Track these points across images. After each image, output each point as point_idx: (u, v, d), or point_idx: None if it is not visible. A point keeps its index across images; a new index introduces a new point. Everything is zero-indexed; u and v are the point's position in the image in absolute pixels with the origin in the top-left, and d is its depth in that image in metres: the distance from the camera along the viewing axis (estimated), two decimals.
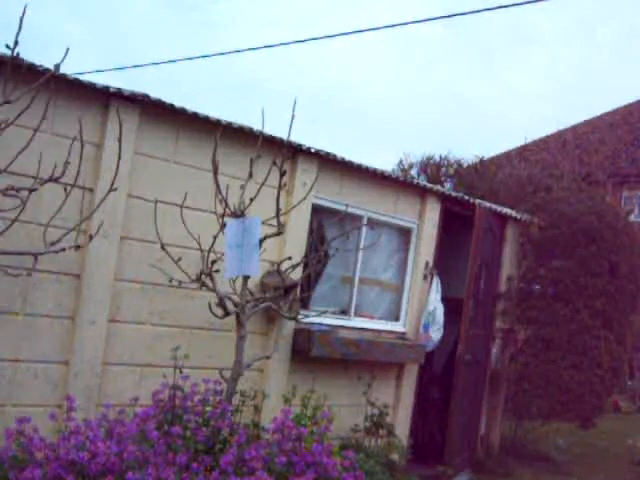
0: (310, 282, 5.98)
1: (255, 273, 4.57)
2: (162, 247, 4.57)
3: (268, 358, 5.24)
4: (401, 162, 16.31)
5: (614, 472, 8.18)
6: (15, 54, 3.44)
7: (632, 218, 11.89)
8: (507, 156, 18.97)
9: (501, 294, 7.76)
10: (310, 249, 5.79)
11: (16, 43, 3.39)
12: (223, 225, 4.51)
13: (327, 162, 5.86)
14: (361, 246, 6.25)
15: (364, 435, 6.09)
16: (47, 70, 3.88)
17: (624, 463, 8.67)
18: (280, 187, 4.54)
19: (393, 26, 8.10)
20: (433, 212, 6.86)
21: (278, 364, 5.60)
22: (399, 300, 6.79)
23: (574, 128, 22.23)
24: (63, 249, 4.04)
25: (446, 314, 6.86)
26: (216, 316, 4.60)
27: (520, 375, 7.68)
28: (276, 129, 5.05)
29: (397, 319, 6.78)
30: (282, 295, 5.08)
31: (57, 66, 3.61)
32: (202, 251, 4.54)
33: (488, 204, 7.46)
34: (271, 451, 3.94)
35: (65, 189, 3.98)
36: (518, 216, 7.86)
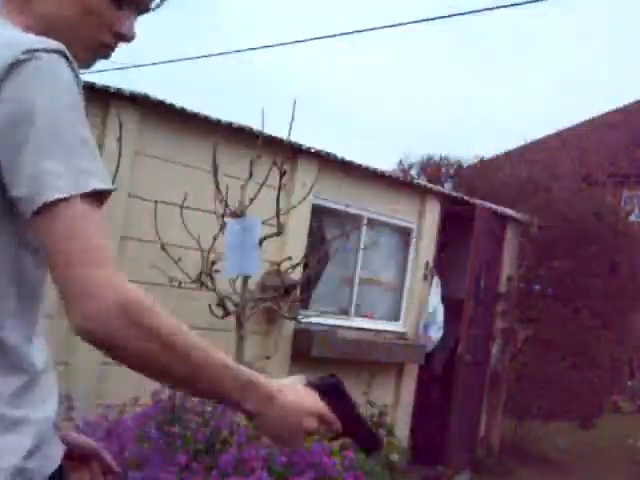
0: (310, 282, 5.98)
1: (255, 273, 4.58)
2: (162, 247, 4.57)
3: (268, 358, 5.24)
4: (401, 162, 16.33)
5: (614, 472, 8.17)
6: None
7: (632, 218, 11.88)
8: (507, 156, 18.96)
9: (501, 294, 7.76)
10: (310, 249, 5.79)
11: None
12: (223, 225, 4.52)
13: (327, 162, 5.86)
14: (361, 246, 6.25)
15: None
16: None
17: (624, 463, 8.67)
18: (280, 187, 4.55)
19: (393, 26, 8.11)
20: (433, 212, 6.86)
21: (278, 364, 5.60)
22: (399, 300, 6.79)
23: (574, 128, 22.23)
24: None
25: (446, 314, 6.86)
26: (216, 316, 4.60)
27: (520, 375, 7.68)
28: (276, 129, 5.06)
29: (397, 319, 6.78)
30: (282, 295, 5.08)
31: None
32: (202, 251, 4.55)
33: (488, 204, 7.46)
34: (271, 451, 3.94)
35: None
36: (518, 216, 7.85)
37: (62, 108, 0.97)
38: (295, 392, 1.02)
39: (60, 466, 1.09)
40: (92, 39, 1.16)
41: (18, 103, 0.96)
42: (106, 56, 1.21)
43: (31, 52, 0.97)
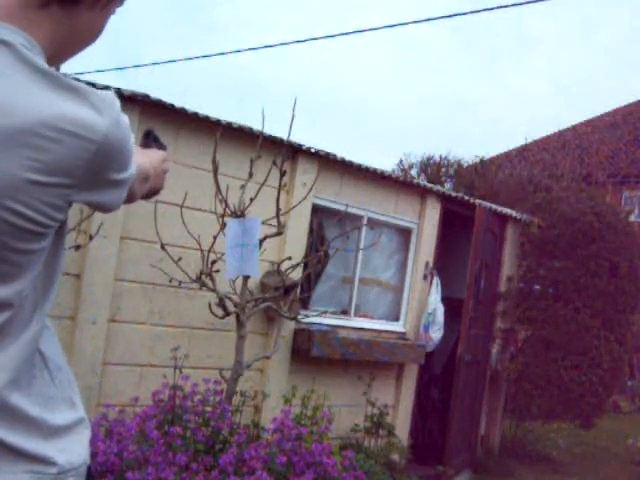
0: (310, 282, 5.98)
1: (255, 273, 4.58)
2: (162, 247, 4.56)
3: (268, 358, 5.24)
4: (401, 162, 16.34)
5: (614, 472, 8.18)
6: None
7: (632, 218, 11.88)
8: (507, 156, 18.98)
9: (501, 294, 7.76)
10: (310, 249, 5.79)
11: None
12: (223, 225, 4.52)
13: (327, 162, 5.86)
14: (361, 246, 6.25)
15: (364, 435, 6.09)
16: None
17: (624, 463, 8.68)
18: (280, 187, 4.55)
19: (393, 26, 8.11)
20: (433, 212, 6.86)
21: (278, 364, 5.60)
22: (399, 300, 6.79)
23: (574, 128, 22.24)
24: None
25: (446, 314, 6.86)
26: (216, 316, 4.60)
27: (520, 375, 7.68)
28: (276, 129, 5.06)
29: (397, 319, 6.78)
30: (282, 295, 5.08)
31: (57, 67, 3.61)
32: (202, 251, 4.55)
33: (488, 204, 7.46)
34: (271, 451, 3.94)
35: None
36: (518, 216, 7.86)
37: None
38: (149, 157, 1.54)
39: None
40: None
41: None
42: None
43: None
